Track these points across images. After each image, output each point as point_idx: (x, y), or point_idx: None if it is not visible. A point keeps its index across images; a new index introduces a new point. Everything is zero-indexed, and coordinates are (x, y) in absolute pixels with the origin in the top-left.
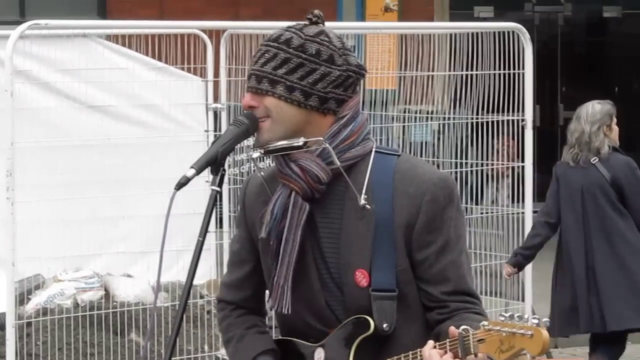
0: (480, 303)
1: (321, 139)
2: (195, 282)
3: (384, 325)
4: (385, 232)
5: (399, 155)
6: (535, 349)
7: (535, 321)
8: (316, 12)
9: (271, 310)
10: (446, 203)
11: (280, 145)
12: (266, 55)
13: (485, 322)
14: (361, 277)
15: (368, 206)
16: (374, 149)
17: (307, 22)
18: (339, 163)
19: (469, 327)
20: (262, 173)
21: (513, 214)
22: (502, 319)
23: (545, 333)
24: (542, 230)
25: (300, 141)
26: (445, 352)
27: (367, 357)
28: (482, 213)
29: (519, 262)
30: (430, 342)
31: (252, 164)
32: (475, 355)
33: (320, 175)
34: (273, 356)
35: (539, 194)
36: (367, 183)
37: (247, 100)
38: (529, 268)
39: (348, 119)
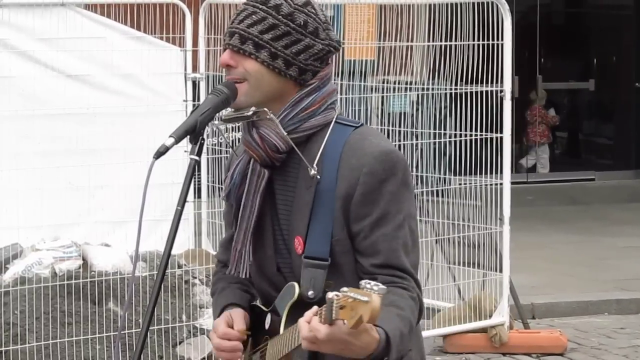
0: (412, 279)
1: (266, 110)
2: (173, 252)
3: (309, 293)
4: (326, 202)
5: (356, 127)
6: (367, 315)
7: (376, 288)
8: None
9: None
10: (386, 176)
11: (233, 115)
12: (253, 16)
13: (345, 289)
14: (297, 244)
15: (318, 176)
16: (334, 120)
17: None
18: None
19: (338, 293)
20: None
21: (491, 185)
22: (361, 285)
23: (376, 300)
24: None
25: (250, 111)
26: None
27: None
28: (460, 184)
29: None
30: (314, 308)
31: (224, 133)
32: (334, 322)
33: (278, 145)
34: (242, 309)
35: (517, 165)
36: (320, 153)
37: (226, 59)
38: (506, 239)
39: (312, 88)
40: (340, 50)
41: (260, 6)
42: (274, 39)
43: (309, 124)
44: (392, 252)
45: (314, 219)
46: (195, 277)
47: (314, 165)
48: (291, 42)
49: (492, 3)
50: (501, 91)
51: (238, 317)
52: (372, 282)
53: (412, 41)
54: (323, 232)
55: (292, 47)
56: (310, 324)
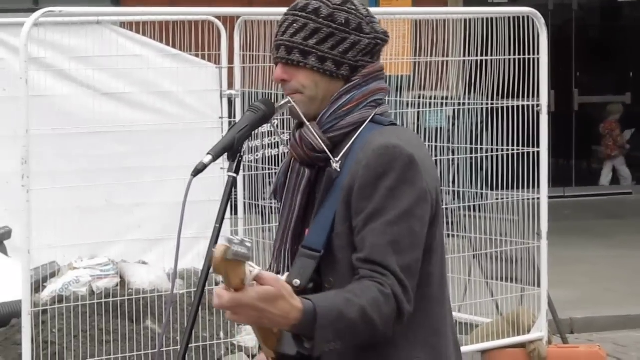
0: (395, 278)
1: (289, 99)
2: (211, 269)
3: (294, 281)
4: (334, 196)
5: (385, 126)
6: (217, 268)
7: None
8: None
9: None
10: (383, 170)
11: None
12: (295, 25)
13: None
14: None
15: (338, 169)
16: (370, 117)
17: None
18: (319, 131)
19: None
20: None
21: (528, 199)
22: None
23: (217, 249)
24: None
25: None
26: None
27: None
28: (497, 199)
29: None
30: None
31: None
32: (241, 287)
33: (314, 143)
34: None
35: (554, 180)
36: (346, 150)
37: (278, 74)
38: (544, 253)
39: (352, 85)
40: None
41: (300, 13)
42: (319, 43)
43: (345, 122)
44: (374, 247)
45: (321, 211)
46: None
47: (337, 159)
48: (337, 43)
49: (528, 17)
50: (537, 105)
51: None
52: (238, 237)
53: (447, 56)
54: (323, 224)
55: (339, 47)
56: (215, 290)
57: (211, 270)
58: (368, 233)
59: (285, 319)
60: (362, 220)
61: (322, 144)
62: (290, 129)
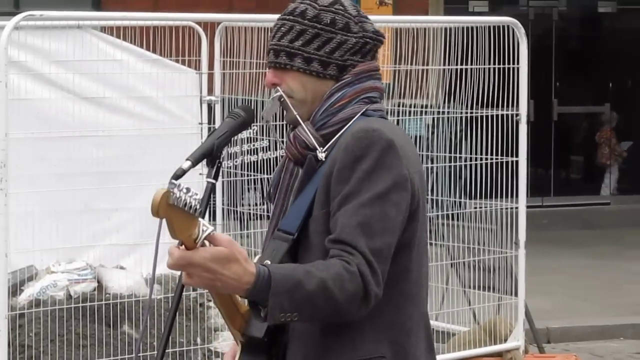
0: (363, 259)
1: (281, 92)
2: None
3: (265, 262)
4: (314, 182)
5: (370, 117)
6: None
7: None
8: None
9: None
10: (361, 153)
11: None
12: (282, 29)
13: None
14: None
15: (323, 159)
16: (360, 112)
17: None
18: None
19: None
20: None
21: (507, 208)
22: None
23: (156, 192)
24: None
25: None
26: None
27: None
28: (475, 207)
29: None
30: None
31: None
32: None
33: (307, 141)
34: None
35: (532, 189)
36: (333, 141)
37: (269, 78)
38: (522, 262)
39: (344, 83)
40: None
41: (287, 17)
42: (305, 44)
43: (337, 118)
44: (344, 228)
45: (299, 196)
46: (210, 300)
47: (323, 149)
48: (323, 43)
49: (508, 27)
50: (517, 115)
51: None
52: (186, 187)
53: (427, 64)
54: (299, 208)
55: (325, 47)
56: (169, 247)
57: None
58: (340, 214)
59: (238, 282)
60: (337, 202)
61: (315, 141)
62: (270, 136)
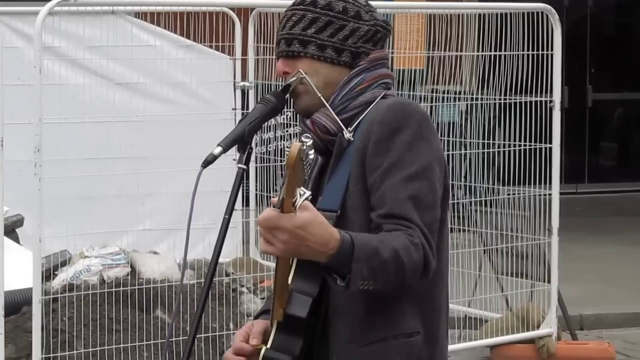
0: (420, 232)
1: (302, 74)
2: (221, 259)
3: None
4: (346, 160)
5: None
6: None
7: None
8: None
9: None
10: (398, 125)
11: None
12: (293, 18)
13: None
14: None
15: (351, 138)
16: (381, 96)
17: None
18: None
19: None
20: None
21: (540, 195)
22: None
23: (293, 146)
24: None
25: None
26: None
27: (307, 274)
28: (509, 194)
29: None
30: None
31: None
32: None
33: (327, 125)
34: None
35: (566, 176)
36: (357, 123)
37: (280, 67)
38: (555, 249)
39: (361, 69)
40: (390, 60)
41: (298, 7)
42: (318, 32)
43: (358, 102)
44: (396, 202)
45: (333, 176)
46: (243, 286)
47: (350, 129)
48: (336, 30)
49: (542, 13)
50: (551, 101)
51: (258, 328)
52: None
53: (461, 51)
54: (336, 186)
55: (338, 34)
56: (266, 210)
57: (225, 263)
58: (387, 188)
59: (324, 247)
60: (379, 175)
61: (339, 123)
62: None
